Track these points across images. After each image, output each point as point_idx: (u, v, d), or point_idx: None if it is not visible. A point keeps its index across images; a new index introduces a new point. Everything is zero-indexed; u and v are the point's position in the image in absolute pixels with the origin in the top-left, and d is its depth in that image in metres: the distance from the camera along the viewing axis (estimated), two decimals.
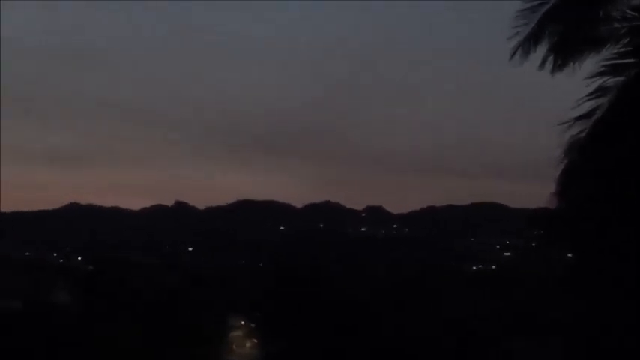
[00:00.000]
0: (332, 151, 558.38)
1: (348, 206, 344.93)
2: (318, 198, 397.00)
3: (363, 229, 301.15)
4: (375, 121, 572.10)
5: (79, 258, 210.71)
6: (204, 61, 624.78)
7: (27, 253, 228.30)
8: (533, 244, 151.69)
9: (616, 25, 20.65)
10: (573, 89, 21.12)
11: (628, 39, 20.48)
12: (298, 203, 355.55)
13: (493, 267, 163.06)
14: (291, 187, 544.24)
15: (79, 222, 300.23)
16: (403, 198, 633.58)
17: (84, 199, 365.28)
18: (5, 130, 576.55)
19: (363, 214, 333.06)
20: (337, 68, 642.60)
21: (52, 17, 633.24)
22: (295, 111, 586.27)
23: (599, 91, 20.44)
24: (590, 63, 20.89)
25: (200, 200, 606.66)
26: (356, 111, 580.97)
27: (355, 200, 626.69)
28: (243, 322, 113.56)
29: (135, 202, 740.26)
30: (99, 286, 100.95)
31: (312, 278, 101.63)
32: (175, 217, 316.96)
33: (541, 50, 21.06)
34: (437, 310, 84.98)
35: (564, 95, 22.03)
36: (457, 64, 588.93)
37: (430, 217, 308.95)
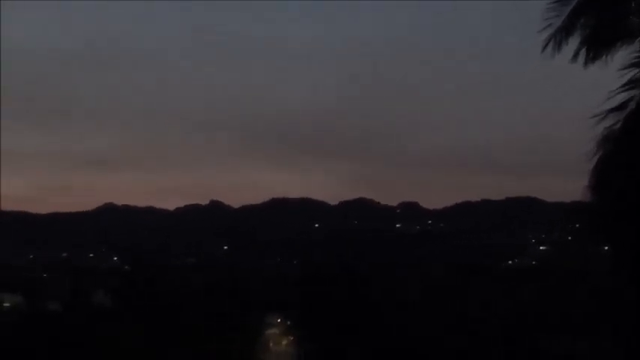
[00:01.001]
0: (366, 148, 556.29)
1: (382, 202, 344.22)
2: (352, 195, 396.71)
3: (397, 225, 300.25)
4: (409, 119, 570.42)
5: (115, 259, 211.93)
6: (238, 62, 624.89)
7: (64, 254, 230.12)
8: (570, 238, 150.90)
9: None
10: (606, 81, 20.98)
11: None
12: (333, 201, 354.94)
13: (533, 262, 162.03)
14: (326, 185, 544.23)
15: (115, 223, 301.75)
16: (438, 194, 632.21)
17: (119, 200, 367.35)
18: (41, 134, 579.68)
19: (398, 210, 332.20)
20: (371, 66, 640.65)
21: (91, 19, 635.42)
22: (329, 110, 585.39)
23: (632, 83, 20.28)
24: (623, 55, 20.74)
25: (235, 199, 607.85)
26: (389, 109, 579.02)
27: (389, 197, 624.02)
28: (279, 320, 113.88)
29: (170, 202, 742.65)
30: (136, 286, 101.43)
31: (346, 278, 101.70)
32: (210, 216, 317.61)
33: (573, 42, 20.94)
34: (471, 309, 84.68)
35: (597, 88, 21.89)
36: (489, 59, 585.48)
37: (465, 212, 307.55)
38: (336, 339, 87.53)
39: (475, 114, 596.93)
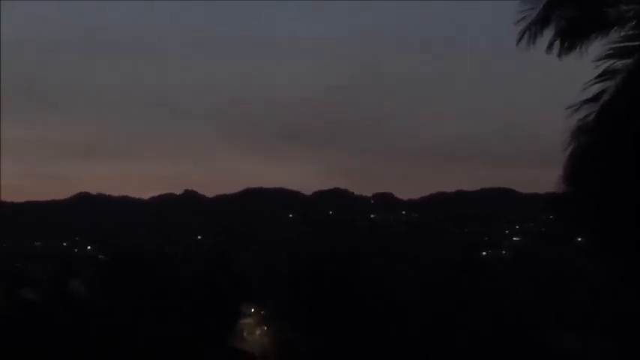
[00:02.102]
0: (342, 139, 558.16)
1: (357, 193, 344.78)
2: (327, 185, 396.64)
3: (372, 216, 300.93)
4: (385, 110, 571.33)
5: (89, 247, 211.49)
6: (214, 49, 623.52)
7: (37, 243, 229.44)
8: (544, 229, 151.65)
9: (623, 7, 20.68)
10: (581, 72, 21.18)
11: (635, 21, 20.52)
12: (308, 190, 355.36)
13: (503, 252, 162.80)
14: (301, 174, 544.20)
15: (89, 212, 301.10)
16: (413, 185, 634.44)
17: (94, 189, 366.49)
18: (17, 121, 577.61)
19: (372, 201, 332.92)
20: (349, 56, 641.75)
21: (70, 8, 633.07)
22: (305, 100, 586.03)
23: (607, 74, 20.49)
24: (598, 46, 20.94)
25: (209, 189, 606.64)
26: (366, 100, 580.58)
27: (364, 187, 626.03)
28: (253, 310, 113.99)
29: (144, 191, 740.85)
30: (114, 276, 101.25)
31: (323, 268, 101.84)
32: (185, 206, 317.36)
33: (548, 34, 21.13)
34: (449, 301, 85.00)
35: (572, 79, 22.09)
36: (462, 49, 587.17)
37: (440, 203, 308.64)
38: (314, 328, 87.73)
39: (450, 104, 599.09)
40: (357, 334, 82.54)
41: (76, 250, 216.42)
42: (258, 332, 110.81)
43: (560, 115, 20.74)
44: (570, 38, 21.19)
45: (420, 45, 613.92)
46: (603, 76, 20.50)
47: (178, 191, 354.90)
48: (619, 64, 20.50)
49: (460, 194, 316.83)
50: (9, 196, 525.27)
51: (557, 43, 21.27)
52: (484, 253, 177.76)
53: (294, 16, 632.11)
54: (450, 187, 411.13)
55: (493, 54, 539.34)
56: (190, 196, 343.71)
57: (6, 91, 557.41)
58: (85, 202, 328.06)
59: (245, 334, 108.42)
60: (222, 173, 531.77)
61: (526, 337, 74.43)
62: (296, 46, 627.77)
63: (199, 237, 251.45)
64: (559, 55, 21.44)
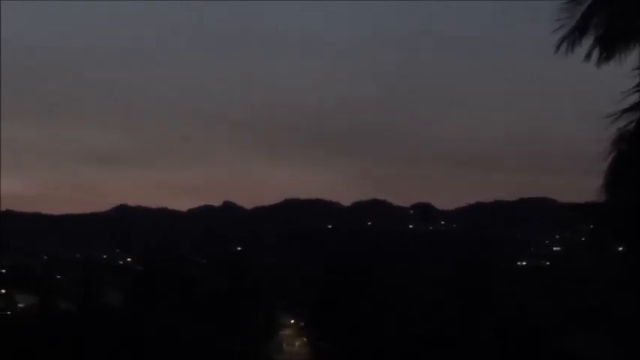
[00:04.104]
0: (379, 148, 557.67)
1: (395, 203, 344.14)
2: (365, 196, 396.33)
3: (410, 226, 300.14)
4: (422, 118, 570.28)
5: (129, 259, 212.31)
6: (253, 60, 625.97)
7: (77, 255, 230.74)
8: (583, 239, 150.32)
9: None
10: (620, 81, 20.96)
11: None
12: (346, 201, 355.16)
13: (545, 263, 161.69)
14: (339, 185, 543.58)
15: (129, 223, 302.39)
16: (451, 194, 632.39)
17: (133, 201, 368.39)
18: (56, 132, 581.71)
19: (411, 211, 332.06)
20: (386, 67, 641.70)
21: (104, 16, 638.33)
22: (343, 110, 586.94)
23: None
24: (637, 54, 20.71)
25: (247, 200, 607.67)
26: (403, 109, 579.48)
27: (403, 197, 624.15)
28: (292, 321, 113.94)
29: (183, 202, 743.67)
30: (149, 285, 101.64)
31: (360, 279, 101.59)
32: (223, 217, 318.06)
33: (587, 42, 20.93)
34: (484, 307, 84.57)
35: (612, 87, 21.88)
36: (505, 58, 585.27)
37: (478, 212, 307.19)
38: (349, 339, 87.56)
39: (489, 113, 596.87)
40: (385, 343, 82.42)
41: (114, 261, 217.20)
42: (297, 343, 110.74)
43: (597, 122, 20.52)
44: (609, 46, 20.96)
45: (454, 50, 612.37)
46: None
47: (217, 203, 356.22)
48: None
49: (498, 204, 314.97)
50: (49, 209, 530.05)
51: (595, 52, 21.06)
52: (524, 263, 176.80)
53: (327, 22, 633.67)
54: (488, 197, 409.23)
55: (529, 61, 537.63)
56: (229, 207, 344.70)
57: (44, 103, 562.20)
58: (124, 214, 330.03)
59: (284, 345, 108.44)
60: (260, 184, 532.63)
61: (558, 346, 74.12)
62: (327, 52, 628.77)
63: (239, 248, 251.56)
64: (597, 63, 21.22)
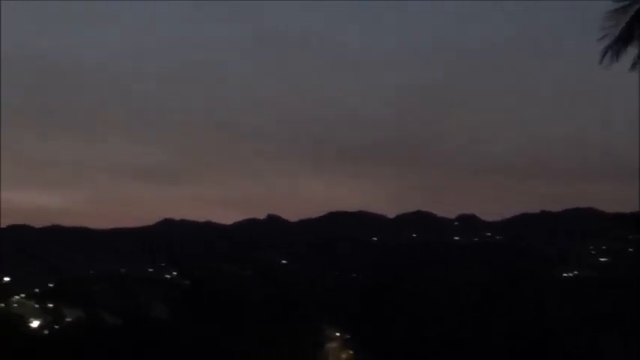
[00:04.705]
0: (423, 159, 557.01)
1: (439, 215, 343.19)
2: (409, 207, 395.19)
3: (455, 238, 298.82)
4: (465, 129, 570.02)
5: (175, 273, 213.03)
6: (292, 74, 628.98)
7: (122, 270, 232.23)
8: (631, 249, 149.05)
9: None
10: None
11: None
12: (390, 213, 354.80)
13: (592, 274, 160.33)
14: (383, 197, 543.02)
15: (174, 237, 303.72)
16: (496, 205, 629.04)
17: (178, 215, 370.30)
18: (103, 149, 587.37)
19: (455, 223, 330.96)
20: (425, 76, 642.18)
21: (149, 35, 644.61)
22: (384, 121, 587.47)
23: None
24: None
25: (292, 213, 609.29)
26: (445, 119, 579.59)
27: (447, 208, 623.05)
28: (338, 334, 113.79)
29: (227, 216, 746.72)
30: (195, 299, 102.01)
31: (404, 291, 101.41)
32: (268, 230, 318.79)
33: (632, 51, 20.78)
34: (531, 318, 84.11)
35: None
36: (547, 69, 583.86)
37: (523, 223, 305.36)
38: (393, 351, 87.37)
39: (533, 124, 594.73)
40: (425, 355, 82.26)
41: (160, 275, 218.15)
42: (343, 356, 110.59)
43: None
44: None
45: (497, 61, 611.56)
46: None
47: (261, 216, 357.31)
48: None
49: (544, 214, 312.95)
50: (95, 223, 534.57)
51: None
52: (571, 274, 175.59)
53: (366, 36, 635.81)
54: (534, 207, 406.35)
55: (571, 71, 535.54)
56: (273, 220, 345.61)
57: (91, 120, 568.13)
58: (169, 228, 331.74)
59: (330, 358, 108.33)
60: (304, 197, 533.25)
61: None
62: (370, 66, 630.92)
63: (284, 261, 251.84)
64: None
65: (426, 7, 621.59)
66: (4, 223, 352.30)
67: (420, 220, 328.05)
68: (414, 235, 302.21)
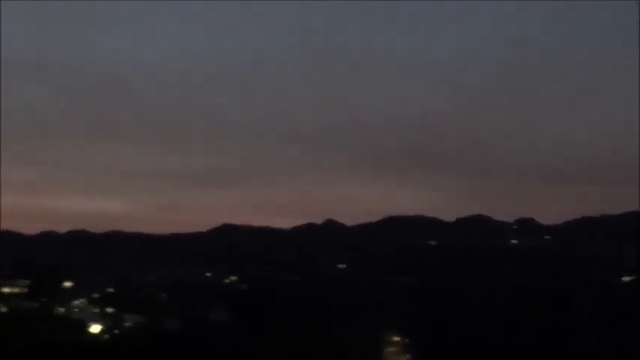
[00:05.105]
0: (480, 162, 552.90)
1: (498, 219, 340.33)
2: (468, 211, 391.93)
3: (513, 242, 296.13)
4: (523, 130, 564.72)
5: (233, 278, 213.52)
6: (343, 79, 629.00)
7: (181, 275, 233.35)
8: None
9: None
10: None
11: None
12: (448, 217, 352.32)
13: None
14: (441, 201, 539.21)
15: (233, 242, 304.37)
16: (555, 208, 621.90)
17: (236, 220, 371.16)
18: (160, 155, 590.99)
19: (514, 227, 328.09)
20: (480, 78, 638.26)
21: (198, 41, 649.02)
22: (441, 124, 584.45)
23: None
24: None
25: (349, 217, 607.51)
26: (502, 120, 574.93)
27: (505, 212, 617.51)
28: (397, 339, 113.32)
29: (285, 220, 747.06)
30: (253, 303, 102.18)
31: (462, 295, 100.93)
32: (326, 235, 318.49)
33: None
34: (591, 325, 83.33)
35: None
36: (610, 69, 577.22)
37: (583, 227, 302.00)
38: (452, 356, 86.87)
39: (595, 126, 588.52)
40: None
41: (218, 280, 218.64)
42: None
43: None
44: None
45: (551, 61, 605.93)
46: None
47: (319, 220, 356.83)
48: None
49: (604, 218, 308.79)
50: (153, 229, 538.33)
51: None
52: (628, 279, 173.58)
53: (413, 36, 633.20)
54: (594, 211, 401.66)
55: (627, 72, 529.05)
56: (331, 225, 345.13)
57: (147, 127, 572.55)
58: (227, 233, 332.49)
59: None
60: (362, 201, 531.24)
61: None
62: (421, 67, 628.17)
63: (342, 265, 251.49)
64: None
65: (473, 7, 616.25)
66: (65, 229, 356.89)
67: (478, 223, 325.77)
68: (472, 239, 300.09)
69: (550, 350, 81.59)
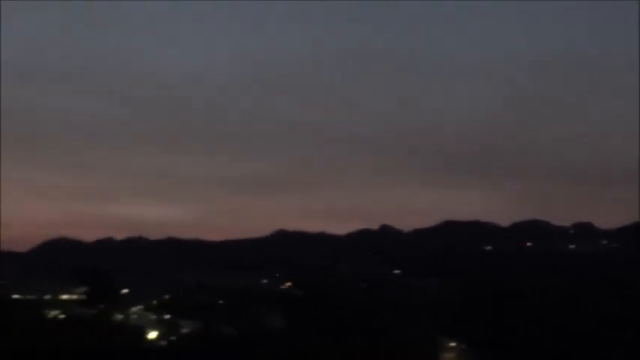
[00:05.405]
0: (536, 165, 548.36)
1: (555, 223, 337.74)
2: (524, 216, 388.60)
3: (571, 247, 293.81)
4: (578, 132, 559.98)
5: (289, 284, 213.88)
6: (397, 81, 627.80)
7: (237, 281, 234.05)
8: None
9: None
10: None
11: None
12: (504, 222, 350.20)
13: None
14: (497, 205, 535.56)
15: (287, 248, 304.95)
16: (612, 212, 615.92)
17: (291, 226, 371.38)
18: (214, 161, 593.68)
19: (571, 231, 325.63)
20: (532, 80, 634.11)
21: (258, 46, 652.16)
22: (494, 126, 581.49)
23: None
24: None
25: (405, 223, 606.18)
26: (556, 123, 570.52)
27: (562, 216, 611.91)
28: (455, 344, 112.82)
29: (341, 226, 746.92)
30: (308, 309, 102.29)
31: (523, 300, 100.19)
32: (381, 240, 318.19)
33: None
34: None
35: None
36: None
37: None
38: None
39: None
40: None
41: (274, 286, 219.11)
42: None
43: None
44: None
45: (604, 61, 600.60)
46: None
47: (374, 226, 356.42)
48: None
49: None
50: (209, 235, 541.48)
51: None
52: None
53: (470, 39, 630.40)
54: None
55: None
56: (386, 230, 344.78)
57: (205, 132, 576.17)
58: (283, 239, 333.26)
59: None
60: (417, 207, 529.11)
61: None
62: (474, 72, 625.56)
63: (397, 271, 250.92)
64: None
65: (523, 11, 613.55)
66: (122, 236, 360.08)
67: (534, 228, 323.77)
68: (529, 244, 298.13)
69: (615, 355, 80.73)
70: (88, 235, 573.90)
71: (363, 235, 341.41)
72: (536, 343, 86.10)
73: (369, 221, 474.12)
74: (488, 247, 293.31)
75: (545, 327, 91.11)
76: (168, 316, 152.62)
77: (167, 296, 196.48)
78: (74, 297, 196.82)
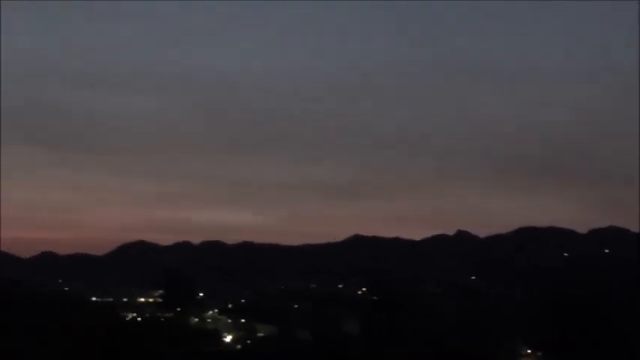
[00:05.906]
0: (615, 171, 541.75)
1: (633, 230, 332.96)
2: (602, 222, 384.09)
3: None
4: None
5: (364, 289, 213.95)
6: (469, 87, 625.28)
7: (313, 285, 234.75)
8: None
9: None
10: None
11: None
12: (582, 228, 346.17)
13: None
14: (574, 211, 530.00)
15: (364, 253, 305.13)
16: None
17: (366, 231, 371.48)
18: (286, 167, 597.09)
19: None
20: (607, 87, 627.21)
21: (330, 53, 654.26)
22: (573, 134, 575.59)
23: None
24: None
25: (481, 228, 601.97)
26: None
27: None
28: (529, 351, 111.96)
29: (416, 232, 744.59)
30: (385, 315, 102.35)
31: (597, 308, 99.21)
32: (457, 246, 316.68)
33: None
34: None
35: None
36: None
37: None
38: None
39: None
40: None
41: (350, 291, 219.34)
42: None
43: None
44: None
45: None
46: None
47: (450, 232, 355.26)
48: None
49: None
50: (286, 240, 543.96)
51: None
52: None
53: (541, 45, 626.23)
54: None
55: None
56: (462, 236, 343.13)
57: (281, 138, 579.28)
58: (358, 244, 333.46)
59: None
60: (493, 213, 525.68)
61: None
62: (545, 79, 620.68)
63: (473, 277, 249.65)
64: None
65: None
66: (199, 240, 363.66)
67: (612, 235, 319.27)
68: (607, 251, 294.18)
69: None
70: (165, 239, 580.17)
71: (438, 240, 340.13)
72: (614, 355, 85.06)
73: (446, 227, 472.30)
74: (565, 254, 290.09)
75: (626, 339, 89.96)
76: (243, 320, 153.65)
77: (243, 300, 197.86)
78: (151, 300, 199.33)
